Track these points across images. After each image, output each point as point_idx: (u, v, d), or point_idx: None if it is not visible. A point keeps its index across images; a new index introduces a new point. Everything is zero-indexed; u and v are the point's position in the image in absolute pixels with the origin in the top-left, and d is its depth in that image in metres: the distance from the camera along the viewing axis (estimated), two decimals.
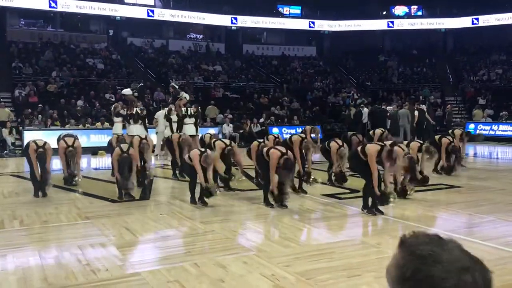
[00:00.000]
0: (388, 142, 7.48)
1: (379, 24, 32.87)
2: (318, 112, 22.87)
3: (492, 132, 20.77)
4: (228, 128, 18.74)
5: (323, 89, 26.90)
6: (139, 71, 25.52)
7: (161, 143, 14.11)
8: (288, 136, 10.32)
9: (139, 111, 11.70)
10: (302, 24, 33.07)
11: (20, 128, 16.44)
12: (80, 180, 8.85)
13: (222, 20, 31.22)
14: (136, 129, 11.22)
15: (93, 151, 15.26)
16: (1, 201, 7.78)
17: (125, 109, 12.08)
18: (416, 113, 17.60)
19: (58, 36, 27.09)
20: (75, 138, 8.44)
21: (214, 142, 8.48)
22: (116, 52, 26.76)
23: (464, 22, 31.14)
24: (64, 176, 8.94)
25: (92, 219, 6.29)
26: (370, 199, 6.58)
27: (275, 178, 6.94)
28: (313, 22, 33.00)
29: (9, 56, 22.86)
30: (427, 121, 18.02)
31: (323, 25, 33.07)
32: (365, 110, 19.51)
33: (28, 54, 23.59)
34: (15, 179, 10.24)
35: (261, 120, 20.36)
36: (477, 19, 30.53)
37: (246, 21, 31.54)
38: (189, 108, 12.92)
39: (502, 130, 20.63)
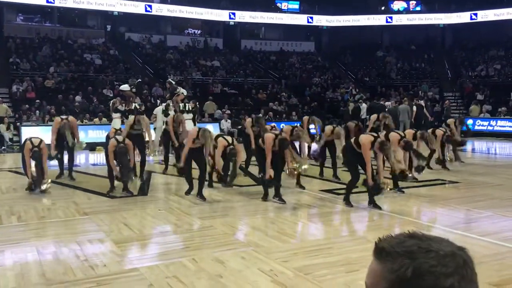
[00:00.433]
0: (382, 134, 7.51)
1: (377, 20, 32.83)
2: (316, 108, 22.86)
3: (490, 128, 20.80)
4: (226, 124, 18.73)
5: (321, 84, 26.89)
6: (137, 67, 25.46)
7: (159, 138, 14.09)
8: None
9: (137, 107, 11.68)
10: (301, 20, 33.00)
11: (18, 124, 16.40)
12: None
13: (220, 15, 31.13)
14: None
15: (91, 146, 15.22)
16: None
17: (123, 105, 12.05)
18: (414, 108, 17.60)
19: (56, 32, 26.99)
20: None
21: (217, 138, 8.47)
22: (113, 48, 26.68)
23: (462, 17, 31.11)
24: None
25: (90, 215, 6.28)
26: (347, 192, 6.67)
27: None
28: (311, 17, 32.94)
29: (7, 52, 22.77)
30: (425, 116, 18.03)
31: (322, 20, 33.00)
32: (364, 106, 19.49)
33: (25, 49, 23.51)
34: (13, 175, 10.22)
35: (259, 115, 20.33)
36: (475, 14, 30.49)
37: (244, 16, 31.46)
38: (187, 104, 12.89)
39: (500, 126, 20.66)
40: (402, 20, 32.47)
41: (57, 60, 22.84)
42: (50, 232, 5.64)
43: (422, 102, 19.16)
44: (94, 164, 12.63)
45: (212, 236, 5.35)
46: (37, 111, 17.42)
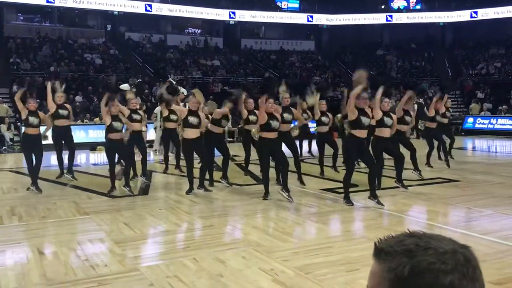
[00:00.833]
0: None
1: (377, 18, 32.82)
2: None
3: (490, 126, 20.80)
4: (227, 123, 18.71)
5: (321, 83, 26.87)
6: (137, 66, 25.47)
7: (159, 138, 14.10)
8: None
9: (138, 107, 11.66)
10: (301, 18, 32.99)
11: (19, 124, 16.41)
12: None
13: (220, 14, 31.12)
14: None
15: (92, 146, 15.25)
16: (0, 197, 7.77)
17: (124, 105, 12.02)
18: (416, 106, 17.58)
19: (56, 31, 27.01)
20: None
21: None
22: (114, 47, 26.69)
23: (462, 15, 31.09)
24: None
25: (91, 215, 6.29)
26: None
27: None
28: (311, 16, 32.92)
29: (7, 52, 22.79)
30: (425, 115, 18.00)
31: (322, 19, 32.99)
32: None
33: (26, 49, 23.53)
34: (13, 175, 10.23)
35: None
36: (475, 12, 30.47)
37: (245, 15, 31.45)
38: (187, 104, 12.88)
39: (500, 124, 20.66)
40: (402, 19, 32.45)
41: (58, 60, 22.86)
42: (51, 232, 5.64)
43: (422, 101, 19.14)
44: (94, 164, 12.63)
45: (213, 236, 5.35)
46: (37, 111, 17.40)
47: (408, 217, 6.27)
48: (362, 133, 6.73)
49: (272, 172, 8.54)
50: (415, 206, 6.94)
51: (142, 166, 9.14)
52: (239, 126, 18.84)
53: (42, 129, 8.37)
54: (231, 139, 18.30)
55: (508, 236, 5.07)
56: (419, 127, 10.54)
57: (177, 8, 29.73)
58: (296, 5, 33.63)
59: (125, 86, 12.78)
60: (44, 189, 8.28)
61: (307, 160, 11.88)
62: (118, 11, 28.32)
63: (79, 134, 15.86)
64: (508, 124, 20.37)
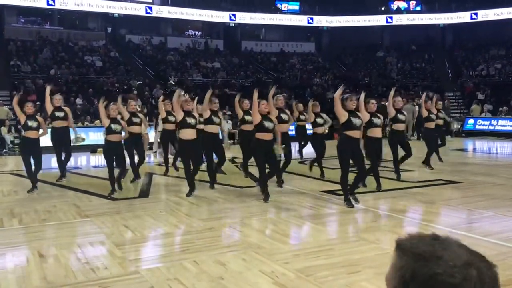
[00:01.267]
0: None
1: (378, 20, 32.85)
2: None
3: (491, 128, 20.79)
4: (227, 125, 18.72)
5: (322, 85, 26.88)
6: (137, 69, 25.49)
7: (159, 140, 14.11)
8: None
9: (138, 109, 11.67)
10: (301, 20, 33.03)
11: (19, 126, 16.41)
12: None
13: (220, 16, 31.16)
14: None
15: (92, 148, 15.25)
16: (0, 199, 7.77)
17: (125, 107, 12.03)
18: (417, 108, 17.58)
19: (56, 34, 27.06)
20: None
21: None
22: (114, 50, 26.73)
23: (463, 17, 31.11)
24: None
25: (91, 217, 6.28)
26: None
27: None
28: (311, 18, 32.95)
29: (8, 54, 22.82)
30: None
31: (322, 21, 33.02)
32: None
33: (26, 52, 23.56)
34: (14, 178, 10.23)
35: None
36: (476, 14, 30.49)
37: (245, 17, 31.49)
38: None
39: (501, 125, 20.65)
40: (402, 20, 32.49)
41: (58, 63, 22.89)
42: (51, 234, 5.64)
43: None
44: (95, 166, 12.63)
45: (213, 238, 5.35)
46: (38, 114, 17.41)
47: (409, 218, 6.26)
48: (355, 134, 6.84)
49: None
50: (416, 207, 6.93)
51: (133, 168, 9.11)
52: (240, 128, 18.90)
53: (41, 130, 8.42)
54: (231, 141, 18.30)
55: (509, 238, 5.06)
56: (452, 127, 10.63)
57: (178, 10, 29.79)
58: (296, 7, 33.67)
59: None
60: (44, 191, 8.30)
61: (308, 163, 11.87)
62: (119, 14, 28.36)
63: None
64: (508, 126, 20.36)
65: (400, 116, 8.94)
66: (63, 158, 9.41)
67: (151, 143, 14.64)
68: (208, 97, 8.28)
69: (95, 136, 16.38)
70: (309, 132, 10.69)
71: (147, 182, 9.14)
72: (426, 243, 0.93)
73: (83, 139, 9.40)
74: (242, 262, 4.40)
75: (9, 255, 4.72)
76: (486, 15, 30.01)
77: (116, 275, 4.11)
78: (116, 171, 8.11)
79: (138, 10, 28.73)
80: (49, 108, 9.06)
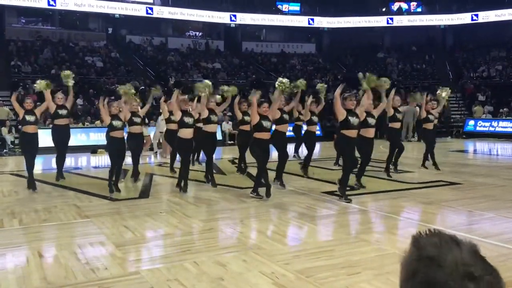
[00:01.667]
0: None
1: (378, 21, 32.83)
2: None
3: (492, 129, 20.78)
4: (227, 126, 18.74)
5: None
6: (138, 69, 25.49)
7: (160, 141, 14.14)
8: None
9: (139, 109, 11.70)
10: (301, 21, 33.02)
11: (19, 126, 16.41)
12: None
13: (221, 17, 31.16)
14: None
15: (93, 149, 15.26)
16: (1, 200, 7.77)
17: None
18: (417, 109, 17.57)
19: (57, 34, 27.06)
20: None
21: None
22: (115, 50, 26.73)
23: (463, 18, 31.10)
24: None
25: (91, 218, 6.28)
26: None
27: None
28: (312, 19, 32.95)
29: (8, 55, 22.82)
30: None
31: (322, 22, 33.01)
32: None
33: (27, 52, 23.56)
34: (14, 178, 10.23)
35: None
36: (476, 15, 30.47)
37: (245, 18, 31.49)
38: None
39: (501, 127, 20.64)
40: (403, 21, 32.47)
41: (59, 63, 22.89)
42: (51, 235, 5.64)
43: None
44: (95, 167, 12.63)
45: (213, 239, 5.35)
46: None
47: (409, 220, 6.25)
48: (352, 133, 7.00)
49: (272, 174, 8.54)
50: (416, 208, 6.92)
51: (135, 167, 9.27)
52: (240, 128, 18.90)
53: (41, 130, 8.52)
54: (231, 141, 18.30)
55: (510, 239, 5.06)
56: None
57: (178, 11, 29.78)
58: (297, 8, 33.67)
59: None
60: (44, 192, 8.30)
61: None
62: (119, 14, 28.36)
63: (80, 137, 15.88)
64: (509, 127, 20.36)
65: (398, 115, 9.30)
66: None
67: (152, 144, 14.64)
68: (205, 100, 8.30)
69: (96, 137, 16.39)
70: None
71: (148, 183, 9.15)
72: (438, 246, 0.92)
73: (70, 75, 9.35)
74: (242, 263, 4.40)
75: (9, 256, 4.73)
76: (487, 16, 30.00)
77: (116, 275, 4.11)
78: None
79: (139, 10, 28.74)
80: (51, 107, 9.08)
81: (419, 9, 33.44)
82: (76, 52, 24.93)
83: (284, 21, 32.70)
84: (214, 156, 9.05)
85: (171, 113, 9.82)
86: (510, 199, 7.33)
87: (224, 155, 14.35)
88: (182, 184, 8.00)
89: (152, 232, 5.71)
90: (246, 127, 9.77)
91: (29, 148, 8.29)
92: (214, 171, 9.43)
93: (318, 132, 14.15)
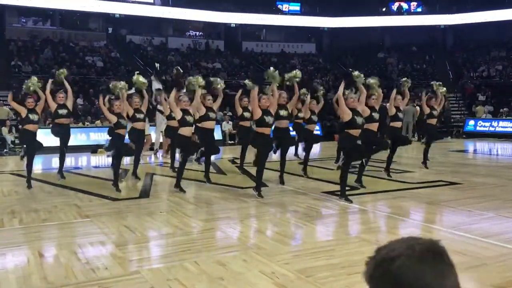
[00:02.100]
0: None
1: (378, 21, 32.83)
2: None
3: (492, 129, 20.78)
4: (227, 126, 18.74)
5: (322, 86, 26.85)
6: (138, 69, 25.40)
7: (160, 140, 14.12)
8: None
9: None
10: (302, 21, 33.02)
11: (20, 126, 16.41)
12: None
13: (221, 17, 31.16)
14: None
15: (93, 149, 15.25)
16: (1, 199, 7.77)
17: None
18: (418, 108, 17.59)
19: (57, 34, 27.07)
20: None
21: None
22: (115, 50, 26.74)
23: (463, 18, 31.09)
24: None
25: (91, 218, 6.28)
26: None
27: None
28: (312, 19, 32.95)
29: (8, 55, 22.83)
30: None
31: (323, 22, 33.03)
32: None
33: (27, 52, 23.58)
34: (14, 178, 10.23)
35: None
36: (476, 15, 30.47)
37: (246, 18, 31.50)
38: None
39: (501, 127, 20.64)
40: (403, 21, 32.47)
41: (59, 63, 22.87)
42: (51, 235, 5.64)
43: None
44: (96, 167, 12.63)
45: (214, 239, 5.35)
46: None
47: (409, 219, 6.25)
48: (357, 132, 7.01)
49: (274, 174, 8.55)
50: (416, 208, 6.93)
51: (136, 165, 9.33)
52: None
53: (41, 130, 8.57)
54: (231, 141, 18.31)
55: (510, 239, 5.05)
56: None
57: (178, 11, 29.80)
58: (297, 8, 33.68)
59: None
60: (44, 191, 8.31)
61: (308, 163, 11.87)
62: (120, 14, 28.37)
63: (80, 137, 15.88)
64: (509, 127, 20.35)
65: (399, 114, 9.33)
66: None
67: (153, 143, 14.63)
68: (198, 95, 8.28)
69: (96, 137, 16.40)
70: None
71: (148, 183, 9.15)
72: (385, 250, 1.03)
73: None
74: (242, 262, 4.40)
75: (9, 255, 4.73)
76: (487, 16, 30.00)
77: (117, 275, 4.11)
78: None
79: (139, 10, 28.74)
80: (52, 106, 9.08)
81: (419, 9, 33.44)
82: (76, 52, 24.94)
83: (284, 21, 32.70)
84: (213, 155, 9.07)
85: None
86: (510, 199, 7.33)
87: (224, 155, 14.35)
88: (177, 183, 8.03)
89: (152, 232, 5.71)
90: (246, 123, 9.81)
91: (31, 145, 8.36)
92: (214, 171, 9.47)
93: (318, 132, 14.17)
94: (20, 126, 16.23)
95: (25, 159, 8.61)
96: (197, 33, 33.17)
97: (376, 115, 8.01)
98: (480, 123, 21.28)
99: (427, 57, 31.11)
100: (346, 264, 4.32)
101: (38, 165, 9.14)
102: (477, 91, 24.86)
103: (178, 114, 7.81)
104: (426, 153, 10.61)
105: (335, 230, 5.90)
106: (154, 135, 14.45)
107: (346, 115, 6.90)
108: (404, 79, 9.74)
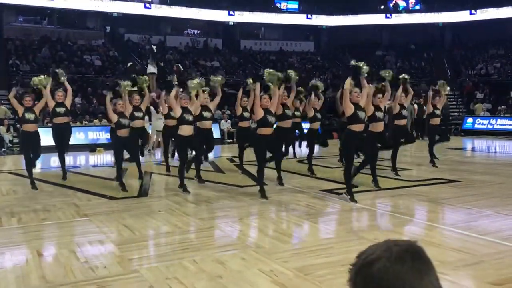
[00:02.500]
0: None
1: (376, 19, 32.83)
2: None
3: (490, 126, 20.81)
4: (226, 124, 18.74)
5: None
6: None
7: (159, 139, 14.12)
8: None
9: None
10: (300, 19, 33.02)
11: (18, 125, 16.40)
12: None
13: (219, 15, 31.13)
14: None
15: (91, 148, 15.25)
16: None
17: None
18: (415, 106, 17.61)
19: (55, 33, 27.02)
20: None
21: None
22: (113, 49, 26.70)
23: (462, 16, 31.11)
24: None
25: (90, 216, 6.28)
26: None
27: None
28: (310, 17, 32.95)
29: (6, 53, 22.79)
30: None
31: (321, 20, 33.02)
32: None
33: (25, 51, 23.53)
34: (13, 177, 10.22)
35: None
36: (475, 12, 30.48)
37: (244, 16, 31.47)
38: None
39: (500, 124, 20.67)
40: (401, 19, 32.47)
41: (57, 62, 22.85)
42: (50, 234, 5.64)
43: (421, 101, 19.16)
44: (94, 166, 12.62)
45: (212, 237, 5.36)
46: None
47: (407, 217, 6.26)
48: (360, 127, 6.93)
49: (272, 172, 8.55)
50: (414, 206, 6.94)
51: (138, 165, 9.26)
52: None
53: (40, 129, 8.49)
54: (230, 140, 18.32)
55: (508, 237, 5.06)
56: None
57: (177, 9, 29.76)
58: (295, 6, 33.67)
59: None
60: (43, 191, 8.30)
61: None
62: (117, 13, 28.32)
63: (79, 136, 15.87)
64: (507, 125, 20.39)
65: (403, 112, 9.22)
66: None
67: (154, 143, 14.62)
68: (193, 95, 8.24)
69: (94, 135, 16.39)
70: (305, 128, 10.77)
71: (147, 181, 9.14)
72: (371, 252, 1.08)
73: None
74: (241, 261, 4.41)
75: (8, 255, 4.72)
76: (485, 14, 30.01)
77: (115, 274, 4.12)
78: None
79: (137, 8, 28.70)
80: (51, 104, 9.05)
81: (417, 7, 33.45)
82: (74, 51, 24.90)
83: (283, 19, 32.69)
84: (211, 154, 9.04)
85: (170, 108, 9.81)
86: (508, 196, 7.34)
87: (223, 154, 14.36)
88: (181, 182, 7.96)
89: (151, 231, 5.72)
90: (244, 124, 9.78)
91: (28, 147, 8.23)
92: (212, 170, 9.47)
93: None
94: (17, 125, 16.25)
95: (36, 163, 8.57)
96: (195, 31, 33.13)
97: (379, 114, 7.88)
98: (478, 121, 21.31)
99: (425, 55, 31.13)
100: (345, 262, 4.32)
101: (37, 164, 9.06)
102: (475, 89, 24.90)
103: (178, 112, 7.77)
104: (432, 151, 10.50)
105: (334, 228, 5.91)
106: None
107: (349, 109, 6.83)
108: (401, 76, 9.67)
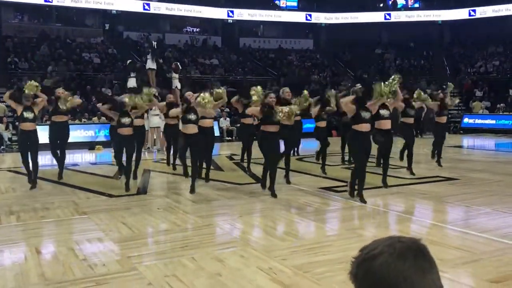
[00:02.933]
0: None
1: (376, 17, 32.80)
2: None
3: (489, 124, 20.83)
4: (225, 122, 18.74)
5: (320, 82, 26.87)
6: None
7: (154, 137, 14.14)
8: None
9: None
10: (299, 17, 32.97)
11: (17, 123, 16.36)
12: None
13: (218, 13, 31.08)
14: None
15: (90, 145, 15.25)
16: None
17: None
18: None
19: (54, 31, 26.94)
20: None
21: None
22: (112, 46, 26.64)
23: (461, 14, 31.09)
24: None
25: (89, 214, 6.28)
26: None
27: None
28: (310, 15, 32.91)
29: (5, 51, 22.73)
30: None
31: (320, 17, 32.98)
32: None
33: (24, 48, 23.47)
34: (12, 175, 10.22)
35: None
36: (474, 10, 30.46)
37: (243, 14, 31.42)
38: None
39: (498, 122, 20.69)
40: (400, 17, 32.45)
41: (56, 59, 22.81)
42: (49, 231, 5.64)
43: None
44: (93, 163, 12.62)
45: (211, 235, 5.36)
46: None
47: (407, 215, 6.27)
48: (364, 127, 6.74)
49: (279, 171, 8.54)
50: (413, 204, 6.94)
51: (137, 164, 9.22)
52: (238, 125, 18.89)
53: (39, 127, 8.47)
54: (229, 138, 18.32)
55: (506, 234, 5.08)
56: None
57: (175, 7, 29.68)
58: (295, 4, 33.61)
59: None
60: (42, 189, 8.30)
61: (306, 159, 11.90)
62: (116, 10, 28.27)
63: (77, 134, 15.85)
64: (506, 122, 20.40)
65: (408, 110, 9.09)
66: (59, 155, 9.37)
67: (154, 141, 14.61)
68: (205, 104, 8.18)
69: (93, 133, 16.38)
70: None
71: (146, 179, 9.14)
72: (371, 249, 1.07)
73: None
74: (240, 258, 4.41)
75: (7, 252, 4.72)
76: (484, 12, 29.98)
77: (114, 272, 4.12)
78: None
79: (136, 6, 28.64)
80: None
81: (416, 5, 33.42)
82: (73, 49, 24.84)
83: (282, 17, 32.64)
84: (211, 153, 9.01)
85: (169, 107, 9.79)
86: (506, 194, 7.35)
87: (222, 151, 14.36)
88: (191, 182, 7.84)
89: (150, 228, 5.72)
90: (247, 120, 9.79)
91: (26, 145, 8.15)
92: (212, 167, 9.43)
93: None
94: (16, 123, 16.22)
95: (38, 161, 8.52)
96: (195, 29, 33.07)
97: (383, 112, 7.65)
98: (477, 119, 21.34)
99: (425, 53, 31.11)
100: (344, 259, 4.32)
101: (38, 162, 9.00)
102: (474, 87, 24.89)
103: (181, 114, 7.77)
104: (437, 151, 10.40)
105: (333, 225, 5.91)
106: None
107: (351, 110, 6.74)
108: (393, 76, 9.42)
